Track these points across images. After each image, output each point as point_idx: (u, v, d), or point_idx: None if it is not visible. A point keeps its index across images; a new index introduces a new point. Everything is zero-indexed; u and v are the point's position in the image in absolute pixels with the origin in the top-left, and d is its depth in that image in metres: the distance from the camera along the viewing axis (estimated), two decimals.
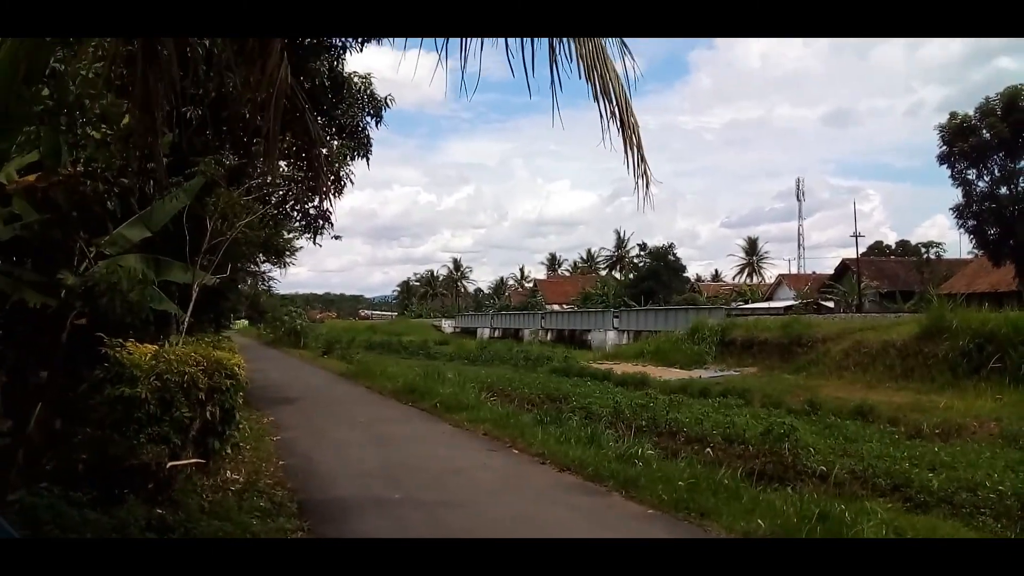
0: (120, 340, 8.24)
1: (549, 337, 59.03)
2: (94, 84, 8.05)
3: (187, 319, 10.83)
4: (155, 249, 10.53)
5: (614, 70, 4.63)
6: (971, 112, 38.43)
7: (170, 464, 7.85)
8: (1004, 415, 15.90)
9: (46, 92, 7.16)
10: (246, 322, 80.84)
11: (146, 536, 6.31)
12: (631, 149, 4.66)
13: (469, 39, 4.17)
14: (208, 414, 8.44)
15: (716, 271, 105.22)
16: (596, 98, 4.51)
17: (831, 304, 50.83)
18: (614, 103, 4.57)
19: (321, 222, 19.02)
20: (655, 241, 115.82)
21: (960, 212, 39.32)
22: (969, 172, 38.73)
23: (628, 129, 4.64)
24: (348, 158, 17.26)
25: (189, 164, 11.46)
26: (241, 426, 10.97)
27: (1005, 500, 10.11)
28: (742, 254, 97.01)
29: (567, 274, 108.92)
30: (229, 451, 9.55)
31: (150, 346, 8.57)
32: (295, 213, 18.73)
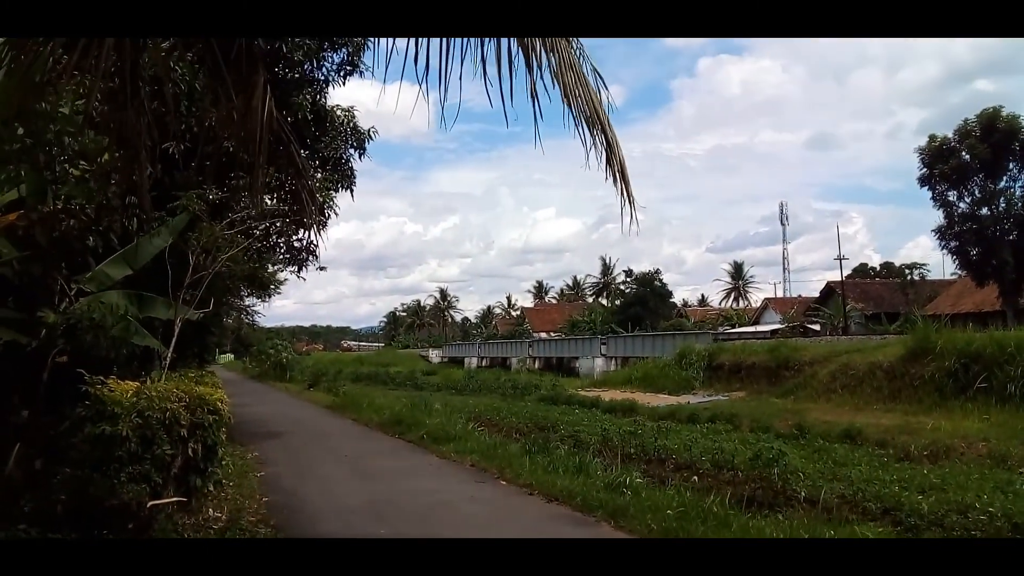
0: (101, 377, 8.16)
1: (537, 365, 58.88)
2: (72, 122, 8.03)
3: (170, 354, 10.74)
4: (137, 285, 10.47)
5: (595, 93, 4.66)
6: (950, 134, 38.95)
7: (151, 503, 7.74)
8: (992, 435, 15.88)
9: (22, 131, 7.13)
10: (231, 356, 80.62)
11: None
12: (615, 171, 4.68)
13: (450, 63, 4.19)
14: (190, 451, 8.35)
15: (702, 296, 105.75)
16: (576, 121, 4.52)
17: (817, 327, 50.99)
18: (596, 125, 4.59)
19: (306, 255, 19.02)
20: (641, 267, 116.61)
21: (942, 233, 39.70)
22: (950, 194, 39.17)
23: (611, 149, 4.66)
24: (332, 190, 17.29)
25: (171, 199, 11.43)
26: (224, 462, 10.86)
27: (995, 521, 10.07)
28: (728, 279, 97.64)
29: (554, 301, 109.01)
30: (211, 488, 9.43)
31: (131, 383, 8.49)
32: (279, 246, 18.72)
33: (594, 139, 4.60)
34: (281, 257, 19.76)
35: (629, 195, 4.75)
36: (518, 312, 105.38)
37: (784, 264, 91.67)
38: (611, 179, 4.71)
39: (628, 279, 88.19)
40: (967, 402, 18.88)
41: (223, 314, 24.43)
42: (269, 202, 15.24)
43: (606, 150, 4.65)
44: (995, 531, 9.83)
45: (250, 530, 8.70)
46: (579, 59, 4.61)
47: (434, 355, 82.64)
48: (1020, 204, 37.54)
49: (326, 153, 17.43)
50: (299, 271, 19.78)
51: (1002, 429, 16.24)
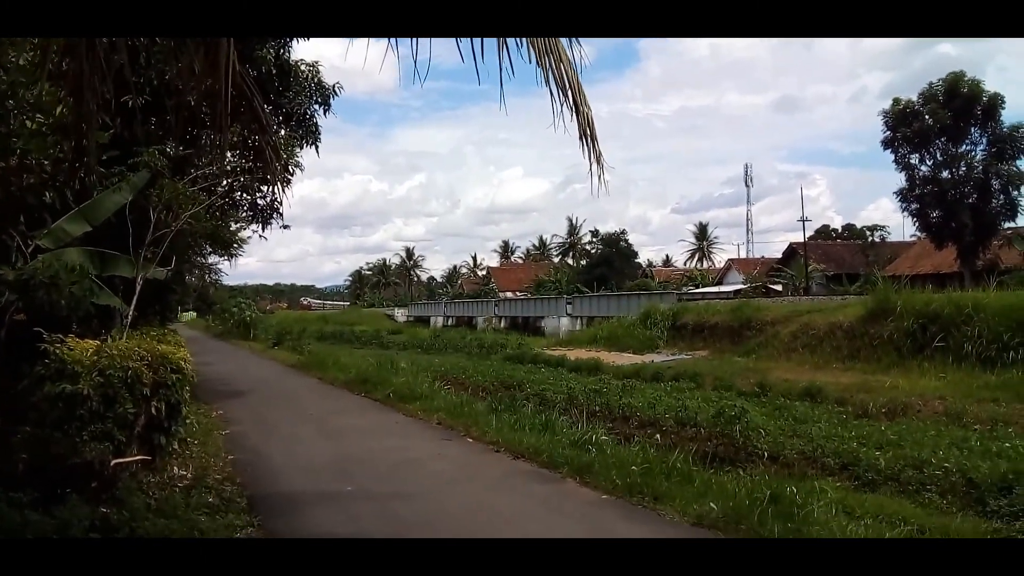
0: (60, 336, 8.02)
1: (503, 324, 58.94)
2: (28, 73, 7.80)
3: (131, 313, 10.58)
4: (97, 242, 10.27)
5: (565, 54, 4.59)
6: (914, 98, 39.33)
7: (114, 462, 7.67)
8: (948, 393, 16.23)
9: None
10: (194, 314, 79.80)
11: (90, 536, 6.15)
12: (584, 133, 4.63)
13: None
14: (153, 409, 8.26)
15: (667, 256, 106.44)
16: (547, 82, 4.46)
17: (779, 287, 51.57)
18: (566, 87, 4.53)
19: (269, 212, 18.77)
20: (607, 227, 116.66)
21: (904, 196, 40.31)
22: (912, 157, 39.68)
23: (581, 113, 4.61)
24: (296, 147, 17.03)
25: (132, 154, 11.18)
26: (188, 421, 10.80)
27: (950, 477, 10.32)
28: (692, 239, 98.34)
29: (520, 261, 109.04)
30: (176, 447, 9.38)
31: (91, 341, 8.36)
32: (243, 203, 18.45)
33: (563, 99, 4.54)
34: (244, 215, 19.47)
35: (597, 156, 4.71)
36: (484, 272, 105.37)
37: (748, 225, 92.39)
38: (580, 139, 4.67)
39: (594, 239, 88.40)
40: (924, 361, 19.27)
41: (185, 272, 24.09)
42: (231, 157, 14.97)
43: (574, 110, 4.60)
44: (950, 486, 10.09)
45: (216, 488, 8.67)
46: None
47: (400, 314, 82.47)
48: (980, 168, 38.08)
49: (290, 109, 17.13)
50: (262, 229, 19.51)
51: (958, 387, 16.60)
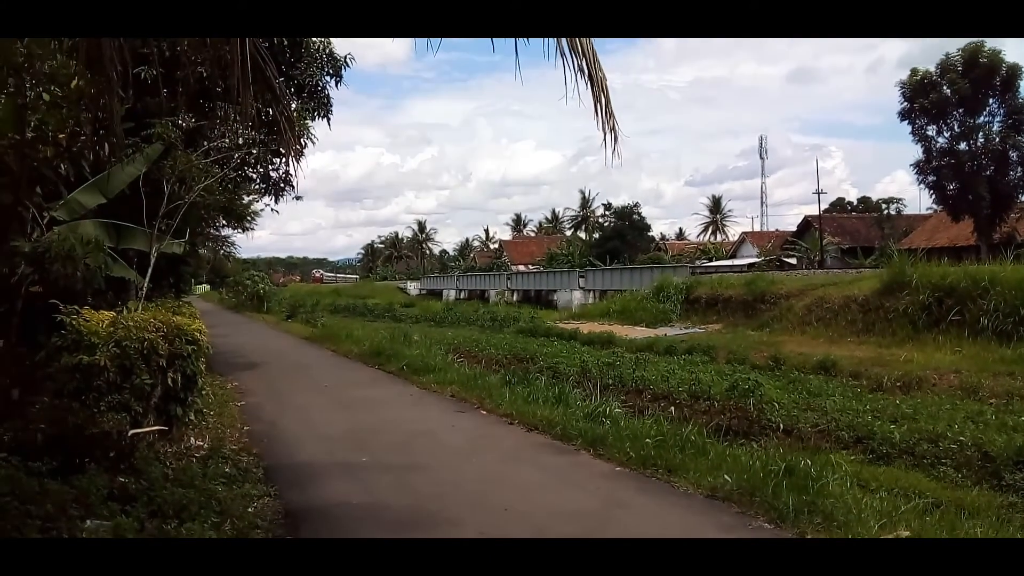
0: (76, 307, 8.06)
1: (515, 298, 58.95)
2: (43, 45, 7.76)
3: (146, 285, 10.62)
4: (111, 214, 10.29)
5: None
6: (932, 68, 38.79)
7: (131, 432, 7.73)
8: (963, 367, 16.15)
9: None
10: (207, 287, 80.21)
11: (108, 505, 6.21)
12: (599, 100, 4.58)
13: None
14: (169, 380, 8.31)
15: (680, 230, 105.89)
16: (562, 52, 4.41)
17: (793, 261, 51.32)
18: (581, 56, 4.47)
19: (282, 184, 18.74)
20: (620, 200, 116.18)
21: (920, 168, 39.85)
22: (929, 128, 39.17)
23: (595, 81, 4.56)
24: (308, 119, 16.96)
25: (144, 126, 11.16)
26: (204, 392, 10.85)
27: (965, 450, 10.31)
28: (706, 212, 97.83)
29: (532, 235, 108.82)
30: (192, 418, 9.43)
31: (107, 313, 8.40)
32: (255, 176, 18.42)
33: (577, 67, 4.48)
34: (256, 187, 19.45)
35: (612, 125, 4.67)
36: (496, 245, 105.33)
37: (762, 198, 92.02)
38: (593, 109, 4.62)
39: (607, 212, 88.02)
40: (940, 335, 19.14)
41: (199, 244, 24.18)
42: (243, 129, 14.92)
43: (588, 78, 4.54)
44: (965, 460, 10.06)
45: (233, 458, 8.73)
46: None
47: (412, 287, 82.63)
48: (998, 139, 37.61)
49: (301, 80, 17.00)
50: (275, 202, 19.50)
51: (973, 361, 16.52)
